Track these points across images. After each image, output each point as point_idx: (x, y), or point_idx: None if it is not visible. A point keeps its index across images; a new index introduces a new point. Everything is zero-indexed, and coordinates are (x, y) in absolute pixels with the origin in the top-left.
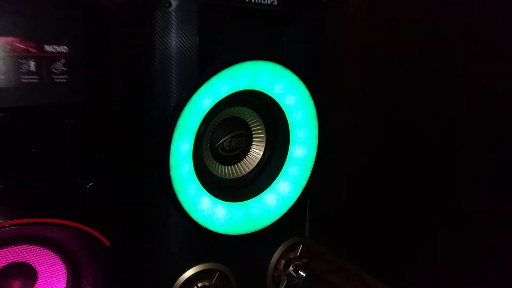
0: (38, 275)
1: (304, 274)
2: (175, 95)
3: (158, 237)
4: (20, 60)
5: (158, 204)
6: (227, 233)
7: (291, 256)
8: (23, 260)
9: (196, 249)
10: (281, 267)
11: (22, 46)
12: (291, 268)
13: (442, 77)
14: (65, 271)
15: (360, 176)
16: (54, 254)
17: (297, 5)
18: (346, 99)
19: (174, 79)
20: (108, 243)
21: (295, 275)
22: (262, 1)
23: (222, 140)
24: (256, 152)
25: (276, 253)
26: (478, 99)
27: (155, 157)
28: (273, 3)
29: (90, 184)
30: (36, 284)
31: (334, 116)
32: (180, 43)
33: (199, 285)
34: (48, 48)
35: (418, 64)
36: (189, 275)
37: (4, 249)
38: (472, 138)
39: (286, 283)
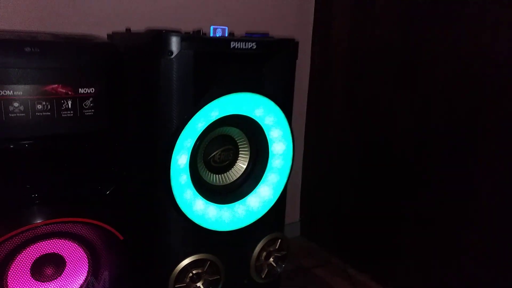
0: (67, 263)
1: (283, 265)
2: (175, 121)
3: (161, 233)
4: (62, 101)
5: (161, 206)
6: (217, 230)
7: (271, 249)
8: (55, 252)
9: (192, 243)
10: (263, 258)
11: (63, 90)
12: (271, 259)
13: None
14: (87, 260)
15: (346, 182)
16: (79, 247)
17: (273, 47)
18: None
19: (175, 109)
20: (121, 237)
21: (275, 265)
22: (243, 46)
23: (213, 154)
24: (242, 163)
25: (258, 246)
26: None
27: (160, 170)
28: (252, 47)
29: (109, 191)
30: (64, 270)
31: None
32: (179, 81)
33: (194, 272)
34: (81, 90)
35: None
36: (185, 264)
37: (41, 242)
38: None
39: (267, 272)
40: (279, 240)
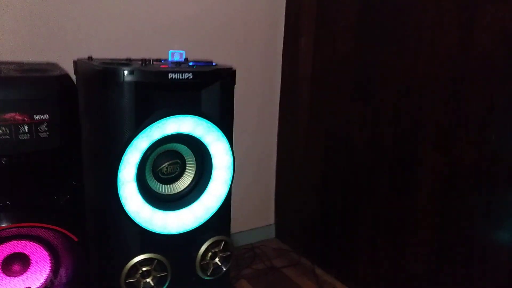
0: (31, 261)
1: (228, 264)
2: (120, 141)
3: (113, 235)
4: (19, 126)
5: (111, 213)
6: (163, 233)
7: (216, 250)
8: (21, 251)
9: (140, 244)
10: (208, 258)
11: (20, 118)
12: (216, 259)
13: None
14: (49, 259)
15: (311, 188)
16: (41, 247)
17: (208, 77)
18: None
19: (119, 130)
20: (76, 239)
21: (220, 264)
22: (180, 77)
23: (161, 167)
24: (188, 175)
25: (202, 248)
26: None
27: (108, 182)
28: (189, 77)
29: (64, 200)
30: (29, 268)
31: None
32: (123, 107)
33: (143, 269)
34: (36, 117)
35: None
36: (134, 261)
37: (9, 243)
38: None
39: (212, 270)
40: (223, 242)
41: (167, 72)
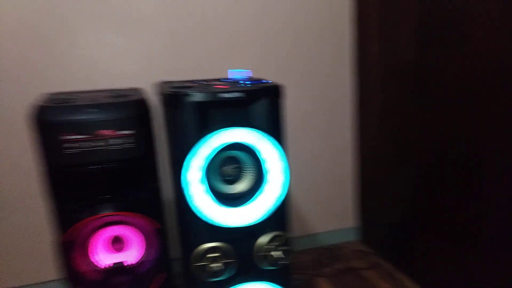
0: (129, 241)
1: (285, 257)
2: (185, 149)
3: (187, 225)
4: (110, 140)
5: (183, 209)
6: (228, 226)
7: (275, 244)
8: (123, 233)
9: (208, 234)
10: (267, 250)
11: (111, 133)
12: (275, 252)
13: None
14: (141, 240)
15: (398, 191)
16: (135, 231)
17: (256, 94)
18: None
19: (184, 140)
20: (159, 226)
21: (277, 257)
22: (230, 96)
23: (224, 170)
24: (247, 177)
25: (261, 240)
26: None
27: (178, 182)
28: (238, 96)
29: (148, 195)
30: (129, 246)
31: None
32: (187, 121)
33: (209, 255)
34: (123, 132)
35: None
36: (204, 248)
37: (114, 227)
38: None
39: (270, 261)
40: (280, 237)
41: (218, 93)
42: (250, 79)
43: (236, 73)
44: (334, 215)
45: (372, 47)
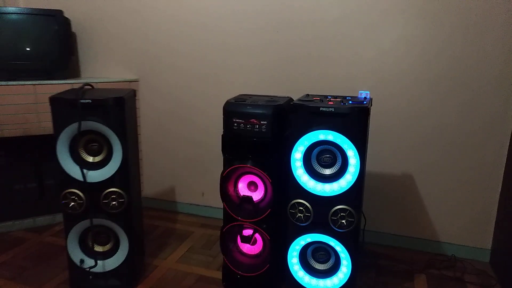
0: (258, 185)
1: (349, 225)
2: (295, 139)
3: (290, 186)
4: (255, 125)
5: (288, 178)
6: (314, 193)
7: (343, 214)
8: (254, 180)
9: (301, 195)
10: (337, 216)
11: (256, 121)
12: (342, 219)
13: None
14: (263, 186)
15: None
16: (261, 181)
17: (343, 111)
18: None
19: (295, 134)
20: (270, 180)
21: (343, 223)
22: (326, 110)
23: (320, 157)
24: (336, 165)
25: (334, 209)
26: None
27: (289, 159)
28: (331, 110)
29: (270, 162)
30: (257, 188)
31: None
32: (299, 122)
33: (299, 207)
34: (258, 122)
35: None
36: (296, 201)
37: (250, 175)
38: None
39: (338, 224)
40: (348, 211)
41: (319, 107)
42: (359, 99)
43: (362, 93)
44: (469, 231)
45: None
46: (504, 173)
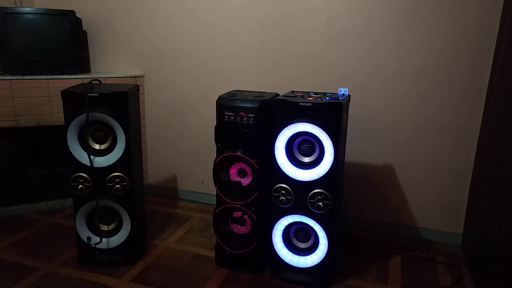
0: (247, 172)
1: (325, 208)
2: (277, 130)
3: (274, 172)
4: (243, 118)
5: (272, 164)
6: (299, 180)
7: (319, 197)
8: (244, 167)
9: (283, 180)
10: (315, 199)
11: (244, 114)
12: (319, 202)
13: None
14: (251, 172)
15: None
16: (249, 168)
17: (320, 107)
18: None
19: (277, 126)
20: (257, 167)
21: (321, 206)
22: (304, 105)
23: (301, 146)
24: (314, 154)
25: (312, 192)
26: None
27: (272, 147)
28: (309, 105)
29: (256, 150)
30: (246, 175)
31: None
32: (281, 115)
33: (281, 191)
34: (246, 115)
35: None
36: (279, 186)
37: (240, 163)
38: None
39: (315, 206)
40: (324, 194)
41: (298, 102)
42: (336, 96)
43: (341, 90)
44: (444, 216)
45: None
46: (473, 166)
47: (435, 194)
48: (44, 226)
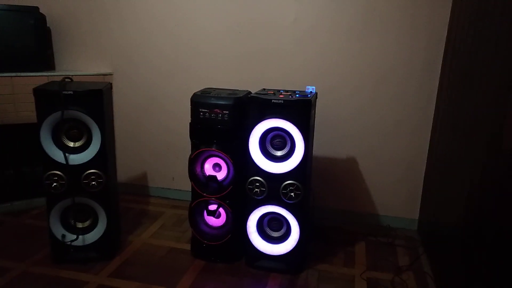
0: (222, 166)
1: (297, 198)
2: (249, 127)
3: (248, 166)
4: (218, 114)
5: (247, 157)
6: (272, 172)
7: (291, 188)
8: (219, 162)
9: (257, 173)
10: (287, 190)
11: (219, 111)
12: (291, 192)
13: None
14: (226, 167)
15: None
16: (224, 162)
17: (291, 103)
18: None
19: (250, 122)
20: (232, 161)
21: (292, 196)
22: (277, 101)
23: (273, 141)
24: (286, 147)
25: (284, 183)
26: None
27: (246, 144)
28: (281, 102)
29: (232, 145)
30: (221, 169)
31: None
32: (254, 112)
33: (256, 183)
34: (221, 111)
35: None
36: (253, 179)
37: (214, 158)
38: None
39: (288, 197)
40: (295, 185)
41: (271, 99)
42: (305, 93)
43: (309, 88)
44: (401, 203)
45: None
46: (427, 157)
47: (393, 184)
48: (11, 227)
